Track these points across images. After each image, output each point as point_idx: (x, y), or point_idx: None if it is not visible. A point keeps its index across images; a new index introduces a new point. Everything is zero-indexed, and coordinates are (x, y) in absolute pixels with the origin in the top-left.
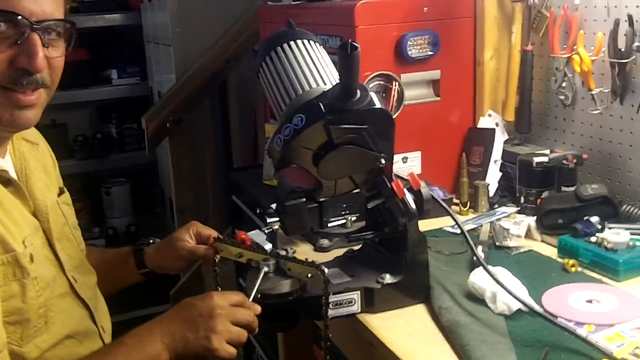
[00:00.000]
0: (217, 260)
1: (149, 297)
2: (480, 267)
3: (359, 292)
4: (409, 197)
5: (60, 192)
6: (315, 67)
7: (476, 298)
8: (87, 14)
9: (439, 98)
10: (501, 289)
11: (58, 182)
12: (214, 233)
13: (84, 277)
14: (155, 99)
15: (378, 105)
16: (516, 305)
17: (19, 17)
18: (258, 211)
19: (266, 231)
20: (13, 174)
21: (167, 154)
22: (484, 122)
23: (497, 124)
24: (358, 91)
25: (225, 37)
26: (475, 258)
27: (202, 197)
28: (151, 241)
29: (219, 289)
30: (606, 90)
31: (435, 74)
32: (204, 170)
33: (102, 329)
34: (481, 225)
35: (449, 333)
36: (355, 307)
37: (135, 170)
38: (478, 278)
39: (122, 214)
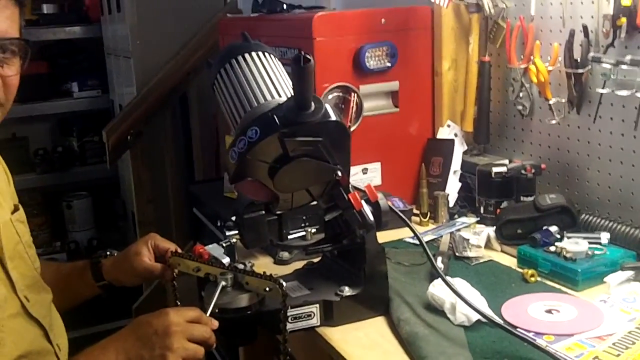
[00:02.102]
0: (175, 274)
1: (111, 311)
2: (440, 278)
3: (317, 305)
4: (367, 209)
5: (15, 209)
6: (270, 79)
7: (435, 309)
8: (47, 27)
9: (397, 109)
10: (460, 300)
11: (12, 198)
12: (172, 246)
13: (37, 296)
14: (117, 111)
15: (333, 117)
16: (475, 316)
17: None
18: (219, 224)
19: (224, 244)
20: None
21: (129, 167)
22: (443, 133)
23: (456, 135)
24: (312, 103)
25: (185, 50)
26: (434, 269)
27: (163, 211)
28: (108, 253)
29: (178, 304)
30: (563, 100)
31: (394, 85)
32: (166, 183)
33: (58, 347)
34: (441, 236)
35: (408, 345)
36: (314, 321)
37: (97, 184)
38: (437, 289)
39: (84, 227)
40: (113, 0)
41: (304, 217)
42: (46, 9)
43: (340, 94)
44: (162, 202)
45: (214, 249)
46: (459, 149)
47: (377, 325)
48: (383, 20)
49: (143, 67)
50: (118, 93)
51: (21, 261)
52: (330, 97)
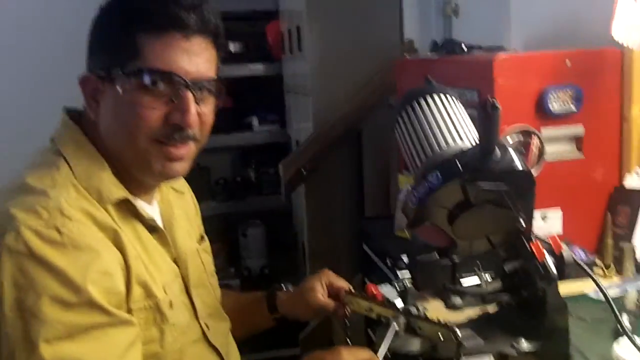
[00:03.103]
0: (347, 313)
1: (278, 339)
2: (625, 337)
3: (491, 355)
4: (549, 261)
5: (201, 239)
6: (453, 123)
7: None
8: (234, 64)
9: (581, 154)
10: None
11: (199, 229)
12: (345, 285)
13: (216, 324)
14: (293, 145)
15: (518, 165)
16: None
17: (176, 77)
18: (388, 262)
19: (397, 286)
20: (159, 222)
21: (302, 200)
22: (631, 181)
23: None
24: (497, 150)
25: (362, 91)
26: (620, 327)
27: (333, 243)
28: (283, 285)
29: (349, 342)
30: None
31: (579, 129)
32: (336, 217)
33: None
34: (627, 291)
35: None
36: None
37: (271, 214)
38: (623, 349)
39: (257, 255)
40: (295, 40)
41: (478, 262)
42: (233, 47)
43: (521, 137)
44: (332, 235)
45: (387, 290)
46: None
47: None
48: (568, 62)
49: (320, 104)
50: (295, 128)
51: (204, 290)
52: (510, 139)
